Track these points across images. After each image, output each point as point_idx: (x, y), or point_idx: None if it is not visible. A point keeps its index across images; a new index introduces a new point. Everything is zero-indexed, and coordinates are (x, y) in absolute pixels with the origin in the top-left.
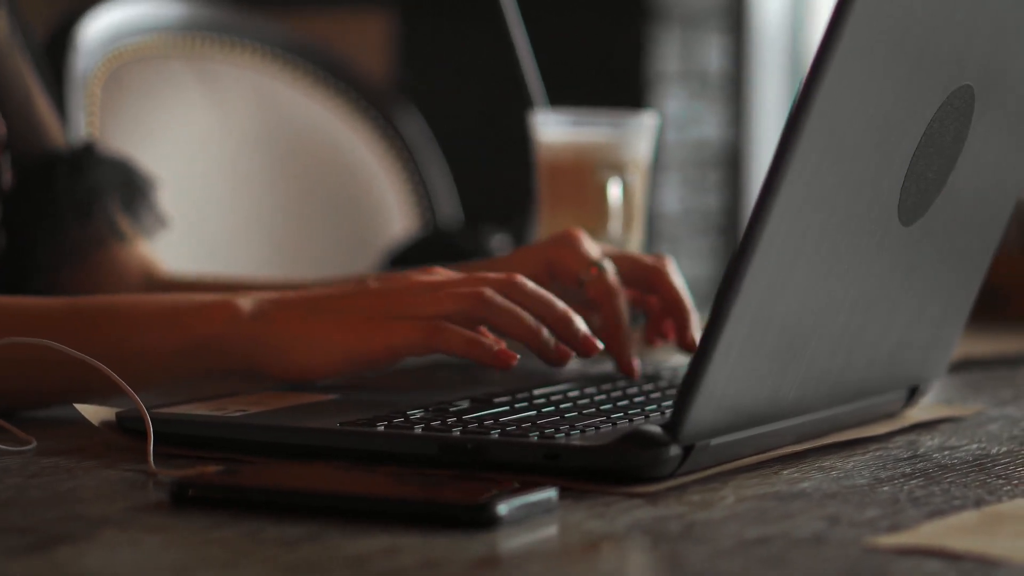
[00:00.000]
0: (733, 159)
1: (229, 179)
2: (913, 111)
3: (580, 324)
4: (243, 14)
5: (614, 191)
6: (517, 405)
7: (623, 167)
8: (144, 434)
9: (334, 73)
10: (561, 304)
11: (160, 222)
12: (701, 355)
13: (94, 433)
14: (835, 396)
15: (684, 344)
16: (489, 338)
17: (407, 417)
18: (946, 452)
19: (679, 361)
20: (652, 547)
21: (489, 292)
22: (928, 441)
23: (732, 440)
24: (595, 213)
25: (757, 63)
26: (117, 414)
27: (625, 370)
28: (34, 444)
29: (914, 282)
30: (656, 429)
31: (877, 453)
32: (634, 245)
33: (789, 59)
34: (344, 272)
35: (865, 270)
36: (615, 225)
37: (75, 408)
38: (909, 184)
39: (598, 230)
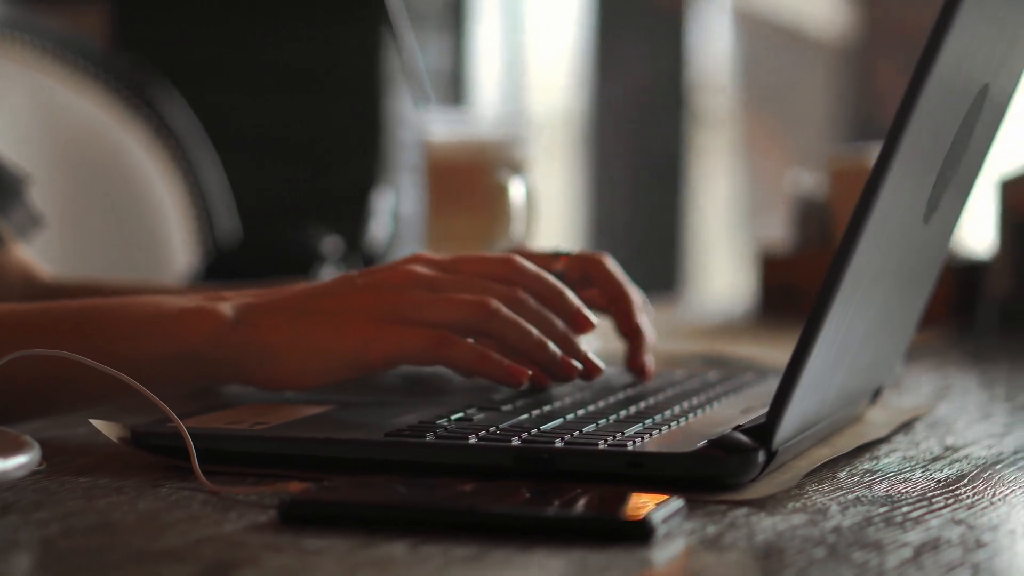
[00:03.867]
0: None
1: None
2: (953, 108)
3: (580, 344)
4: (18, 9)
5: (517, 191)
6: (535, 412)
7: (520, 166)
8: (158, 449)
9: (106, 69)
10: (561, 324)
11: (35, 222)
12: (796, 363)
13: (83, 448)
14: (841, 402)
15: (628, 331)
16: (495, 352)
17: (446, 427)
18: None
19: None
20: (831, 555)
21: (495, 303)
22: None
23: (789, 446)
24: (492, 214)
25: (476, 63)
26: (132, 429)
27: (628, 331)
28: (44, 466)
29: (908, 281)
30: (740, 436)
31: (897, 451)
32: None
33: (505, 58)
34: (130, 275)
35: (893, 272)
36: (519, 226)
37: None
38: (937, 183)
39: (497, 232)
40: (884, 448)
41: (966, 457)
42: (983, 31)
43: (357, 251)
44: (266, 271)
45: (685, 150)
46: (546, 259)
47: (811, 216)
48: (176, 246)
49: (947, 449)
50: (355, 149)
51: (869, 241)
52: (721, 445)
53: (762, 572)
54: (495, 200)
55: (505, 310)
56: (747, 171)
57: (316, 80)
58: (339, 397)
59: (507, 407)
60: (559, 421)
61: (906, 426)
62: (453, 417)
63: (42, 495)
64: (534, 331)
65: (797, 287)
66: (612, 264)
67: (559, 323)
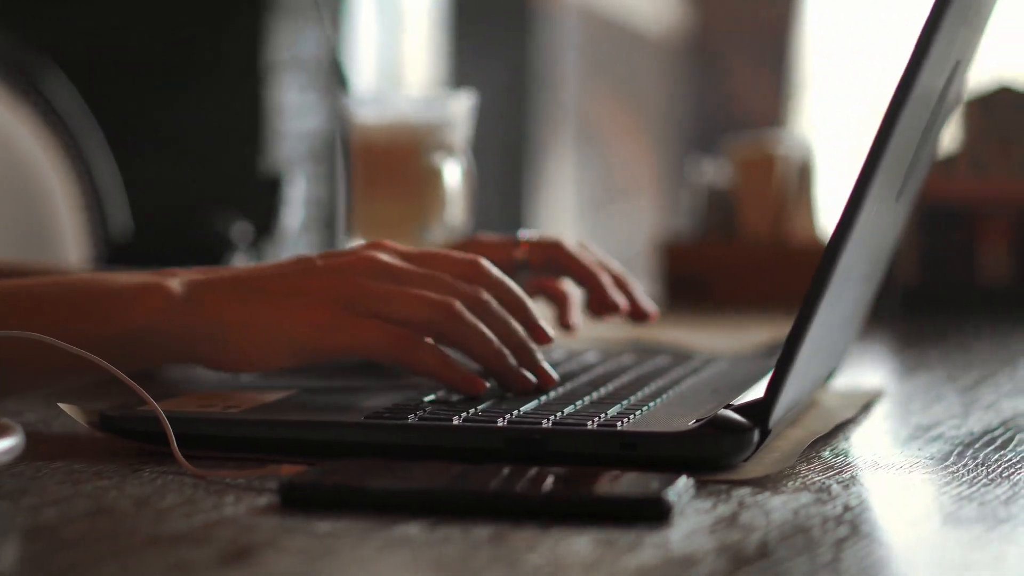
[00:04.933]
0: (331, 151)
1: None
2: (934, 90)
3: (539, 355)
4: None
5: (452, 175)
6: (509, 394)
7: (453, 149)
8: (131, 433)
9: None
10: (521, 332)
11: None
12: (791, 346)
13: (42, 434)
14: (810, 385)
15: (600, 311)
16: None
17: (426, 409)
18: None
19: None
20: (854, 533)
21: (459, 306)
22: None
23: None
24: (424, 200)
25: (354, 54)
26: (102, 413)
27: (636, 314)
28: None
29: (870, 265)
30: (735, 415)
31: (868, 431)
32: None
33: (380, 50)
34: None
35: (865, 255)
36: (454, 212)
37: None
38: (912, 163)
39: (430, 219)
40: (854, 429)
41: (940, 436)
42: (961, 12)
43: (267, 238)
44: (174, 258)
45: (538, 144)
46: (506, 246)
47: (715, 204)
48: (67, 235)
49: (917, 429)
50: (238, 139)
51: (860, 225)
52: (717, 424)
53: (796, 550)
54: (427, 184)
55: (468, 314)
56: (601, 164)
57: (199, 69)
58: (287, 382)
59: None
60: (535, 402)
61: (866, 408)
62: (427, 399)
63: (21, 480)
64: (494, 340)
65: (702, 276)
66: (573, 246)
67: (519, 330)
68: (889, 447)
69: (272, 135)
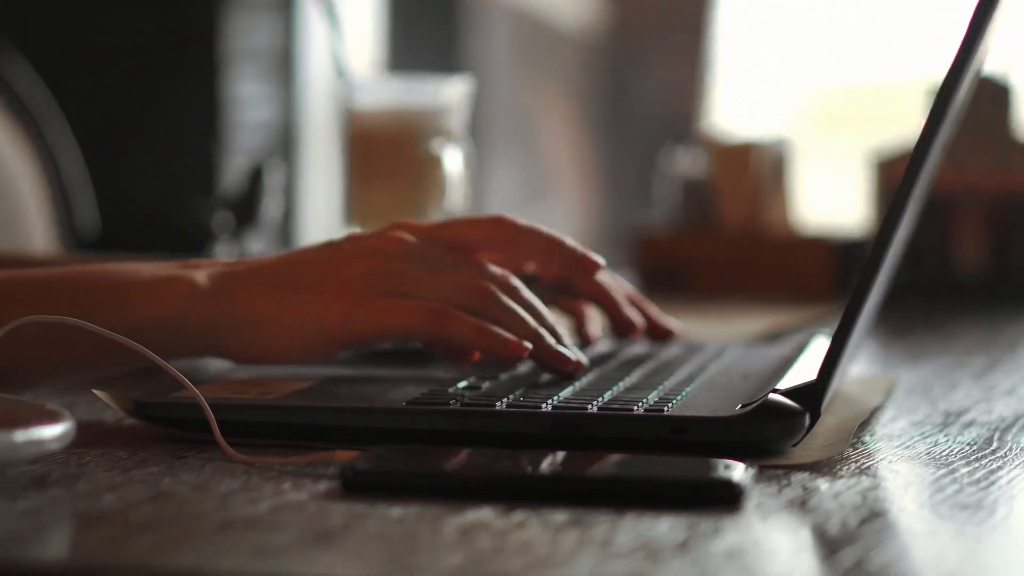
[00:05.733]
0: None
1: None
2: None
3: (566, 340)
4: None
5: (452, 162)
6: (539, 380)
7: (452, 135)
8: (167, 421)
9: None
10: (551, 316)
11: None
12: (843, 333)
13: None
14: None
15: (622, 327)
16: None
17: (466, 395)
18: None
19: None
20: (936, 515)
21: (494, 288)
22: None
23: None
24: (422, 188)
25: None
26: (136, 400)
27: (655, 331)
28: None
29: (895, 256)
30: (787, 400)
31: (898, 417)
32: None
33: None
34: None
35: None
36: (454, 200)
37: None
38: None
39: (429, 207)
40: (883, 415)
41: (974, 422)
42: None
43: (249, 227)
44: (145, 249)
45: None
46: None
47: (691, 195)
48: (35, 227)
49: (948, 415)
50: (195, 131)
51: (905, 216)
52: (769, 409)
53: (881, 533)
54: (424, 172)
55: (503, 295)
56: (531, 157)
57: (155, 60)
58: (309, 371)
59: (505, 376)
60: (569, 389)
61: (888, 394)
62: (460, 386)
63: (67, 468)
64: (531, 320)
65: (679, 267)
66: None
67: (548, 314)
68: (926, 433)
69: (229, 126)
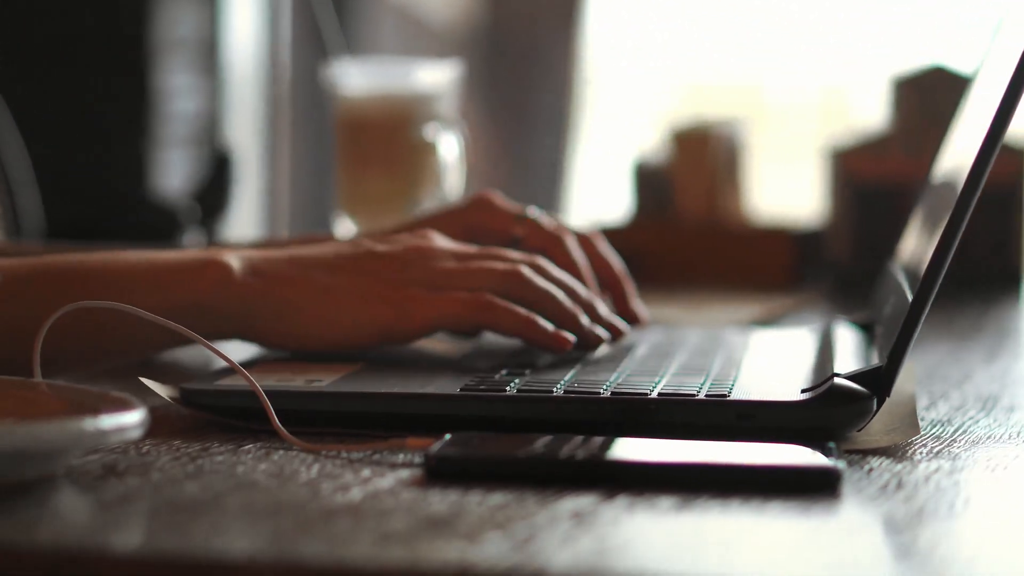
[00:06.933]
0: (211, 133)
1: None
2: None
3: (603, 308)
4: None
5: (448, 147)
6: (580, 367)
7: (445, 120)
8: (216, 409)
9: None
10: (584, 288)
11: None
12: (914, 317)
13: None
14: None
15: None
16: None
17: (518, 380)
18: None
19: None
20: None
21: (527, 271)
22: None
23: None
24: (415, 174)
25: (231, 34)
26: (183, 388)
27: (623, 316)
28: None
29: None
30: (854, 384)
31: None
32: None
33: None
34: None
35: None
36: (450, 186)
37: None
38: None
39: (421, 194)
40: (923, 399)
41: (1014, 407)
42: None
43: (218, 216)
44: (123, 235)
45: None
46: (509, 219)
47: (648, 184)
48: None
49: (984, 400)
50: (125, 123)
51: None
52: (837, 393)
53: (984, 514)
54: (416, 159)
55: (537, 278)
56: None
57: (85, 52)
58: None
59: (543, 363)
60: (617, 375)
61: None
62: (503, 373)
63: (131, 458)
64: (567, 301)
65: (637, 255)
66: (572, 246)
67: (582, 289)
68: (974, 417)
69: (156, 117)
